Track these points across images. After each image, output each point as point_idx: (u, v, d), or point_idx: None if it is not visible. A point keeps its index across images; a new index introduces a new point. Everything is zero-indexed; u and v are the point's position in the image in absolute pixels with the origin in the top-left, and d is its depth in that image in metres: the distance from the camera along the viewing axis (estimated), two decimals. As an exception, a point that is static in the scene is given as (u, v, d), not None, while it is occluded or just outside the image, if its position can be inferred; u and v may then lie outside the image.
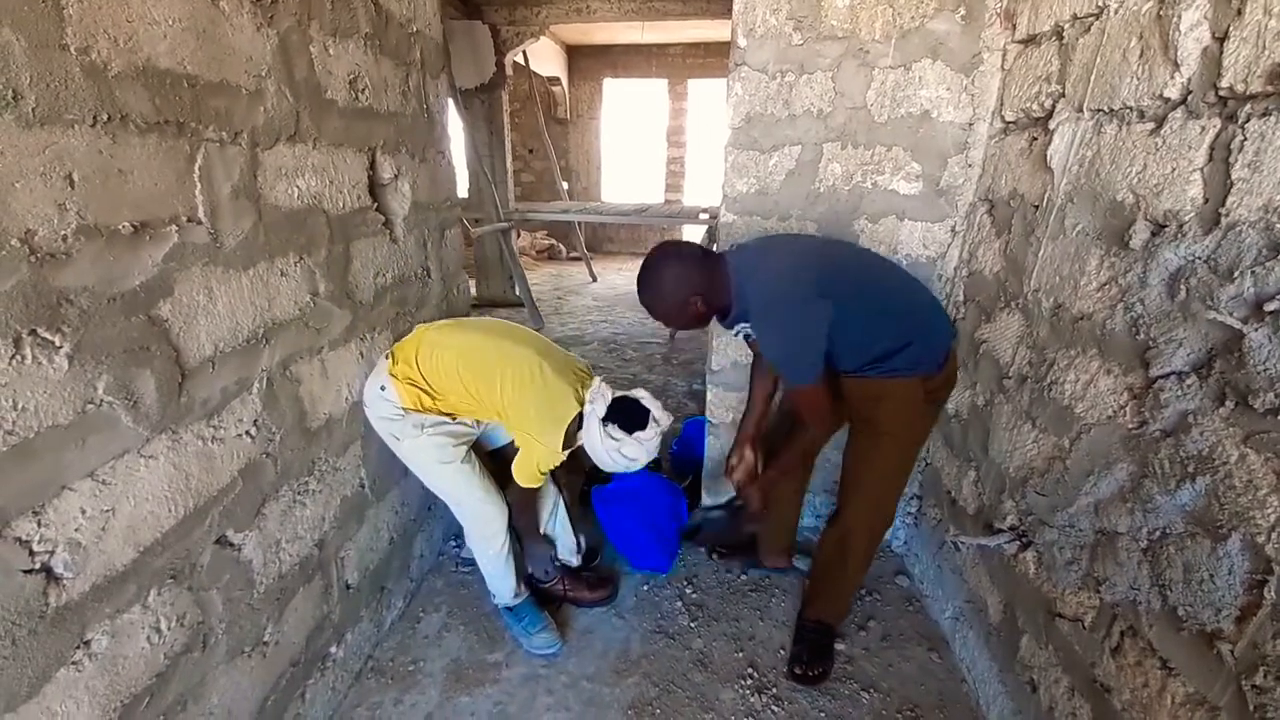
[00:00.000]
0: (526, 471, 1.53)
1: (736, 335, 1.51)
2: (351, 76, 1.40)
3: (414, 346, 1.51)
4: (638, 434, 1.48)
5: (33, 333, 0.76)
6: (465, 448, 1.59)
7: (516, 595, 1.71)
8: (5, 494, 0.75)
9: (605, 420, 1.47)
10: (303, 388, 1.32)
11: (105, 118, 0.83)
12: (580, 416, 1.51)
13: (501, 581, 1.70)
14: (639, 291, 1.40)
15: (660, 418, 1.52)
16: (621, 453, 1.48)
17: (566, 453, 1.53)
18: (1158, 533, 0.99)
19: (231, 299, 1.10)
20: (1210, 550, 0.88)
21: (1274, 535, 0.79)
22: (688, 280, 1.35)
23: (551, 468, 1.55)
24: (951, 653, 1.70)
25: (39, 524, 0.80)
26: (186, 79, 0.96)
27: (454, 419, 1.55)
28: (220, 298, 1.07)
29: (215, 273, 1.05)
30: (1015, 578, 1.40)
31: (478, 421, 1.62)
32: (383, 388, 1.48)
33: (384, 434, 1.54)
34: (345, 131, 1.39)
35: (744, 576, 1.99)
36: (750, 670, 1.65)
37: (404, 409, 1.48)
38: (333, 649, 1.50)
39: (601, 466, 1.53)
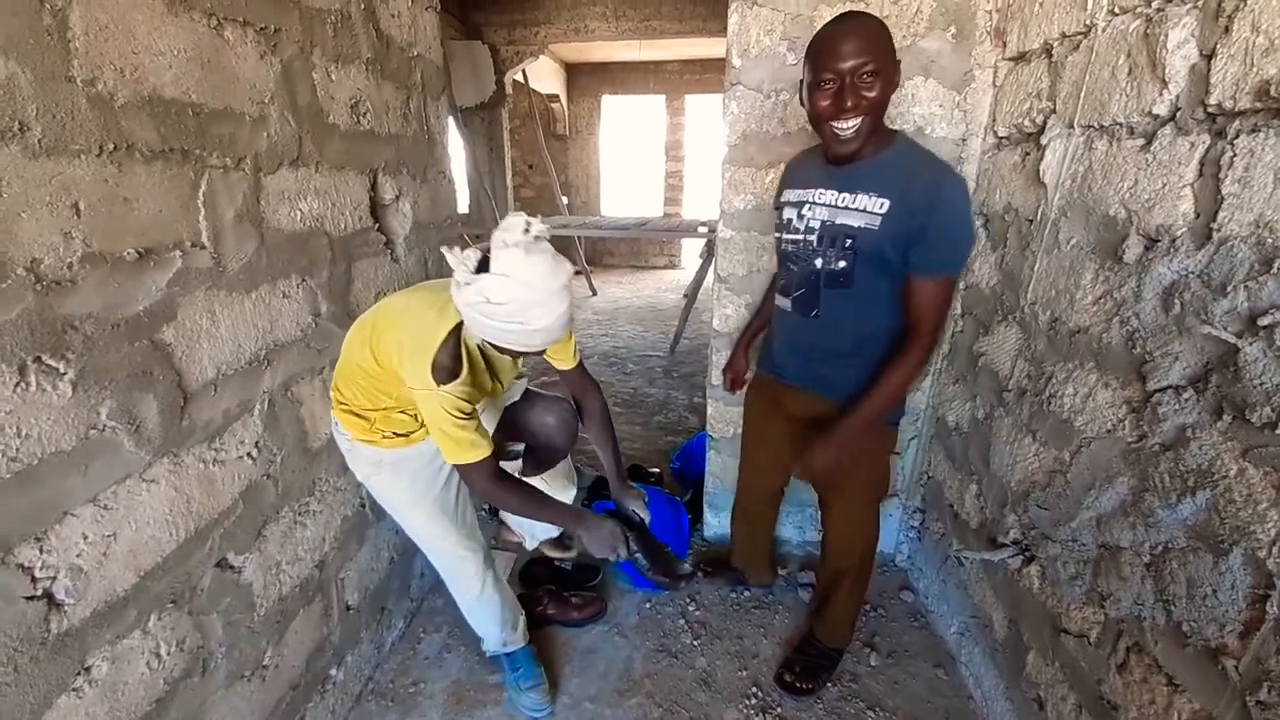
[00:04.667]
0: (446, 446, 1.17)
1: (806, 211, 1.25)
2: (353, 101, 1.42)
3: (335, 373, 1.32)
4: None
5: (37, 360, 0.77)
6: (439, 486, 1.38)
7: (505, 644, 1.57)
8: (8, 521, 0.76)
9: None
10: (304, 408, 1.33)
11: (111, 147, 0.84)
12: (456, 338, 1.13)
13: (485, 627, 1.56)
14: (854, 18, 1.14)
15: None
16: (489, 299, 1.02)
17: (461, 388, 1.12)
18: (1160, 547, 0.99)
19: (234, 322, 1.11)
20: (1213, 565, 0.88)
21: (1275, 550, 0.79)
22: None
23: (462, 419, 1.14)
24: (958, 669, 1.68)
25: (41, 550, 0.80)
26: (191, 107, 0.97)
27: (408, 440, 1.32)
28: (223, 321, 1.08)
29: (218, 296, 1.06)
30: (1020, 593, 1.40)
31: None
32: (336, 424, 1.35)
33: (360, 478, 1.40)
34: (347, 154, 1.41)
35: (747, 593, 1.97)
36: (754, 690, 1.63)
37: (354, 440, 1.32)
38: (333, 671, 1.49)
39: (499, 342, 1.11)
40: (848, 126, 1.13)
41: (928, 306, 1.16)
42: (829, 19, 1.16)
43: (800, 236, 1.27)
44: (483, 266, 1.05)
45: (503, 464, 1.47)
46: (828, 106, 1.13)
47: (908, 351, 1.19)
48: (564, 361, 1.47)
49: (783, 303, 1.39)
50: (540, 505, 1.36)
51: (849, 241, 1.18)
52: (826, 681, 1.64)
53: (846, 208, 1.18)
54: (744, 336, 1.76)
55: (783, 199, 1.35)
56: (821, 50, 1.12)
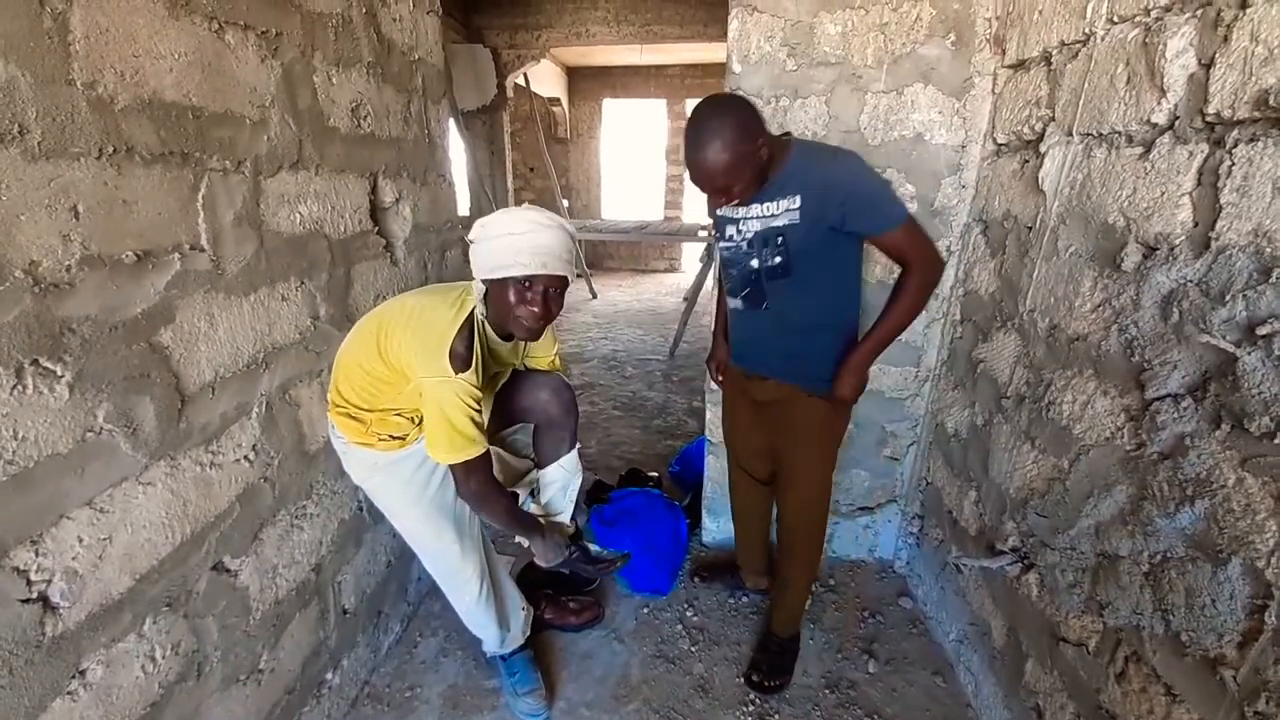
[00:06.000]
0: (445, 440, 1.17)
1: (727, 230, 1.39)
2: (354, 104, 1.42)
3: (333, 374, 1.34)
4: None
5: (34, 362, 0.77)
6: (434, 487, 1.37)
7: (504, 643, 1.58)
8: (4, 523, 0.76)
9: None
10: (301, 411, 1.33)
11: (111, 150, 0.84)
12: (469, 328, 1.17)
13: (484, 630, 1.56)
14: (702, 138, 1.18)
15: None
16: (486, 226, 1.18)
17: (474, 376, 1.17)
18: (1159, 556, 0.98)
19: (232, 324, 1.10)
20: (1211, 574, 0.88)
21: (1273, 560, 0.78)
22: (755, 121, 1.21)
23: (474, 408, 1.18)
24: (956, 677, 1.68)
25: (37, 553, 0.80)
26: (191, 110, 0.98)
27: (403, 443, 1.32)
28: (221, 323, 1.08)
29: (217, 299, 1.06)
30: (1018, 600, 1.39)
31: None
32: (333, 426, 1.35)
33: (355, 480, 1.41)
34: (347, 157, 1.41)
35: (745, 599, 1.97)
36: (752, 696, 1.63)
37: (349, 442, 1.32)
38: (329, 675, 1.48)
39: (506, 267, 1.16)
40: (732, 203, 1.30)
41: (904, 247, 1.30)
42: (686, 129, 1.24)
43: (735, 244, 1.41)
44: None
45: (519, 487, 1.60)
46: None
47: (908, 278, 1.32)
48: (545, 364, 1.54)
49: (734, 303, 1.50)
50: (515, 516, 1.41)
51: (780, 239, 1.33)
52: (791, 674, 1.67)
53: (772, 215, 1.32)
54: (718, 324, 1.75)
55: (720, 212, 1.43)
56: (687, 170, 1.25)
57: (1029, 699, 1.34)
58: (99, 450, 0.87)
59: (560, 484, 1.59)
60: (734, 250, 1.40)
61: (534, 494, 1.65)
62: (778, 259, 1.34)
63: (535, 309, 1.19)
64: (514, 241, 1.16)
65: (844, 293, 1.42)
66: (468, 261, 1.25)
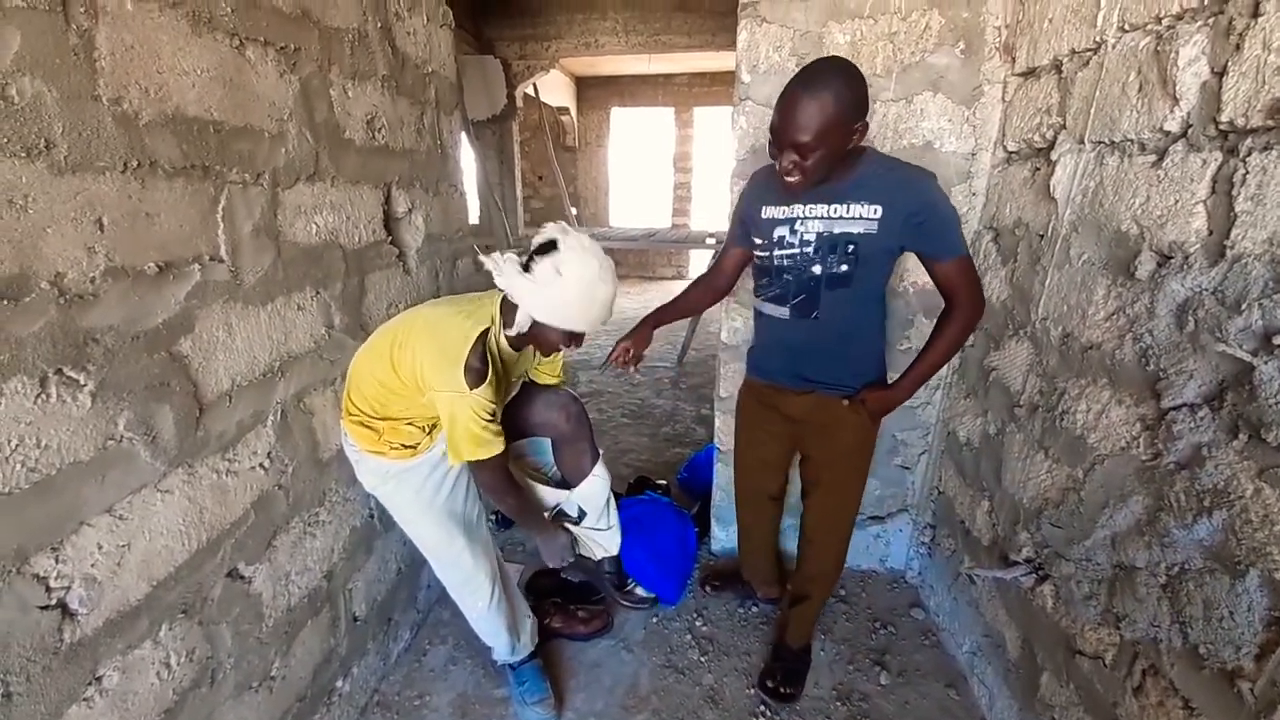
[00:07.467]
0: (468, 442, 1.21)
1: (784, 227, 1.32)
2: (369, 117, 1.45)
3: (346, 383, 1.36)
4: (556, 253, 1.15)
5: (59, 372, 0.79)
6: (444, 495, 1.38)
7: (514, 651, 1.57)
8: (25, 531, 0.77)
9: (527, 267, 1.16)
10: (315, 419, 1.34)
11: (135, 164, 0.86)
12: (483, 343, 1.19)
13: (495, 637, 1.55)
14: (817, 82, 1.12)
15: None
16: (561, 272, 1.14)
17: (488, 390, 1.19)
18: (1176, 568, 0.97)
19: (250, 334, 1.12)
20: (1229, 586, 0.87)
21: (1295, 572, 0.77)
22: (866, 103, 1.16)
23: (485, 419, 1.20)
24: (970, 689, 1.66)
25: (57, 560, 0.81)
26: (213, 125, 1.00)
27: (414, 451, 1.34)
28: (239, 333, 1.09)
29: (235, 309, 1.08)
30: (1033, 612, 1.38)
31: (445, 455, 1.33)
32: (346, 434, 1.37)
33: (368, 488, 1.42)
34: (362, 169, 1.43)
35: (755, 609, 1.96)
36: (763, 708, 1.61)
37: (361, 451, 1.33)
38: (339, 683, 1.49)
39: (558, 320, 1.19)
40: (791, 179, 1.22)
41: (958, 280, 1.27)
42: (796, 72, 1.18)
43: (796, 250, 1.33)
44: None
45: (545, 489, 1.66)
46: (774, 158, 1.24)
47: (952, 318, 1.29)
48: (550, 376, 1.60)
49: (778, 310, 1.42)
50: (527, 510, 1.52)
51: (851, 247, 1.27)
52: (804, 684, 1.66)
53: (842, 217, 1.26)
54: (654, 317, 1.64)
55: (765, 215, 1.37)
56: (775, 112, 1.19)
57: (1044, 713, 1.32)
58: (119, 458, 0.88)
59: (603, 497, 1.61)
60: (795, 256, 1.33)
61: (560, 515, 1.68)
62: (844, 267, 1.29)
63: (575, 348, 1.29)
64: (590, 310, 1.21)
65: (883, 299, 1.41)
66: (478, 270, 1.27)
